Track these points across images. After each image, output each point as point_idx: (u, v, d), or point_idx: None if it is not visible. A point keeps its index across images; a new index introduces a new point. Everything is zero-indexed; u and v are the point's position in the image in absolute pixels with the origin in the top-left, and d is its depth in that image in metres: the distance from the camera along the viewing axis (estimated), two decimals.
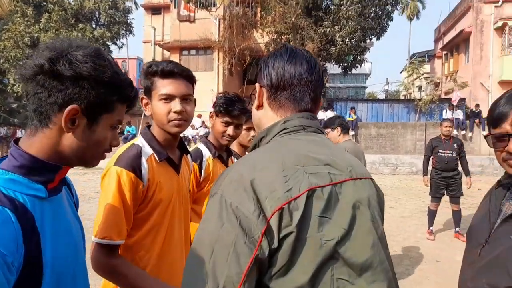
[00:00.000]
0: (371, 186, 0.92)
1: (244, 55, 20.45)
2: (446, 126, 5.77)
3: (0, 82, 21.95)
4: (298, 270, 0.74)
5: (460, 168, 5.82)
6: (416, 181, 12.10)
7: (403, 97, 27.11)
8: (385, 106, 18.11)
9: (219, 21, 20.45)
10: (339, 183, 0.83)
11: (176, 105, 1.41)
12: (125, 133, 18.08)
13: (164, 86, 1.41)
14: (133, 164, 1.33)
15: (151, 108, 1.46)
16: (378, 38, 18.17)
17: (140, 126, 18.93)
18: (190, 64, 21.83)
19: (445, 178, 5.74)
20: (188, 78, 1.48)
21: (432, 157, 5.95)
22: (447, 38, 23.24)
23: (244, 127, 2.37)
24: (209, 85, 20.82)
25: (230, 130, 2.06)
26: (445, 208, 6.39)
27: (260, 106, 0.99)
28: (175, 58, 21.86)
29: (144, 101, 1.47)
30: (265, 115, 0.98)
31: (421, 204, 8.52)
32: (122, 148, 1.41)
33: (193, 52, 21.84)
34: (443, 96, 20.47)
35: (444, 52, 23.95)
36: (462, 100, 17.41)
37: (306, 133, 0.92)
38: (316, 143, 0.90)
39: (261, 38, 20.39)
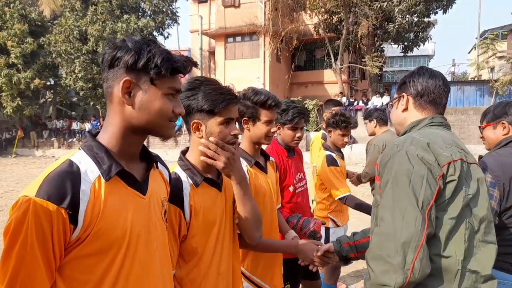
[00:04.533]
0: (481, 170, 1.37)
1: (291, 39, 19.20)
2: None
3: (57, 77, 22.71)
4: (452, 206, 1.22)
5: None
6: None
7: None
8: (453, 89, 15.82)
9: (264, 4, 19.28)
10: (469, 164, 1.30)
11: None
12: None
13: None
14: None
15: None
16: (445, 12, 15.89)
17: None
18: (236, 51, 20.94)
19: None
20: None
21: None
22: None
23: (263, 119, 1.90)
24: (254, 72, 19.80)
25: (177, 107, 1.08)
26: None
27: (405, 109, 1.49)
28: (220, 46, 21.12)
29: None
30: (410, 115, 1.48)
31: None
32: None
33: (238, 39, 20.86)
34: None
35: None
36: None
37: (446, 128, 1.43)
38: (453, 136, 1.39)
39: (310, 20, 18.96)
